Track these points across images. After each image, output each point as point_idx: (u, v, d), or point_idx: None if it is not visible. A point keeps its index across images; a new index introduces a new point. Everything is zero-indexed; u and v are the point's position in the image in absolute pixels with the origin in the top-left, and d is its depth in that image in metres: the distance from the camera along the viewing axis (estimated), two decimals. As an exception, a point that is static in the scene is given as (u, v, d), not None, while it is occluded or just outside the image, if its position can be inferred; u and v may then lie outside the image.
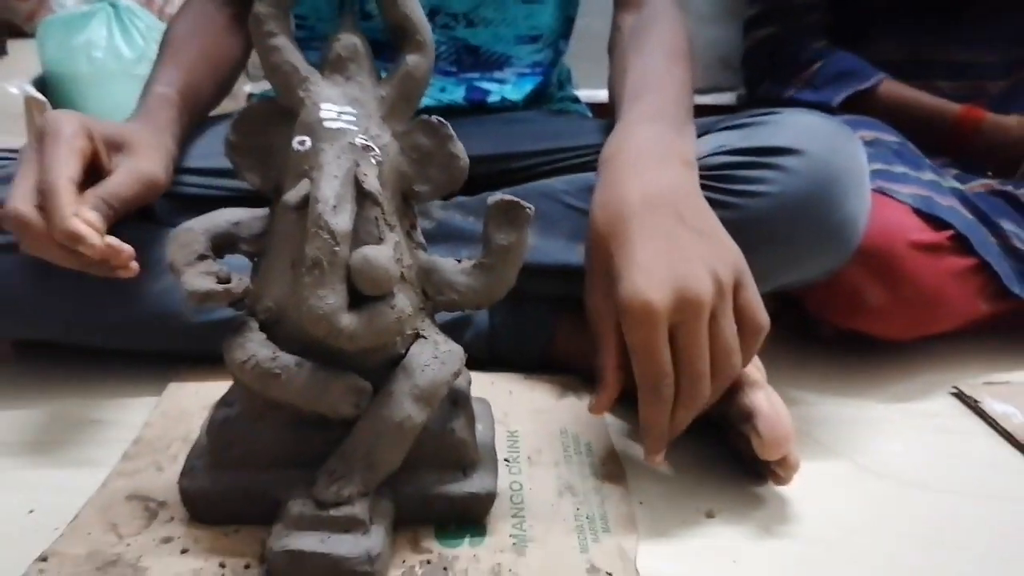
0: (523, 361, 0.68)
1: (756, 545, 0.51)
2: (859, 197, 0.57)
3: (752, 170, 0.57)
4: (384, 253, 0.43)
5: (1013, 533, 0.53)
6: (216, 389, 0.52)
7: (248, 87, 1.14)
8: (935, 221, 0.69)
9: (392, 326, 0.45)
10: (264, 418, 0.48)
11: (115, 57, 1.15)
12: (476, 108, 0.79)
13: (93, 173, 0.54)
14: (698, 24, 1.24)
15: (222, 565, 0.46)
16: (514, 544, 0.49)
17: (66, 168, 0.51)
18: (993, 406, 0.66)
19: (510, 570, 0.47)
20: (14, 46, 2.30)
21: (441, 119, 0.47)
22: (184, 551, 0.46)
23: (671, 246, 0.49)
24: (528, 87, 0.80)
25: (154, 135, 0.60)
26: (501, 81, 0.80)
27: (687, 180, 0.53)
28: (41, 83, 1.17)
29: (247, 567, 0.46)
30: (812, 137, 0.57)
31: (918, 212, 0.69)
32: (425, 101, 0.75)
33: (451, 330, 0.65)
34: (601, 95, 0.80)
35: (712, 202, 0.56)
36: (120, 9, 1.18)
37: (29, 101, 1.10)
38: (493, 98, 0.79)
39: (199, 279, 0.45)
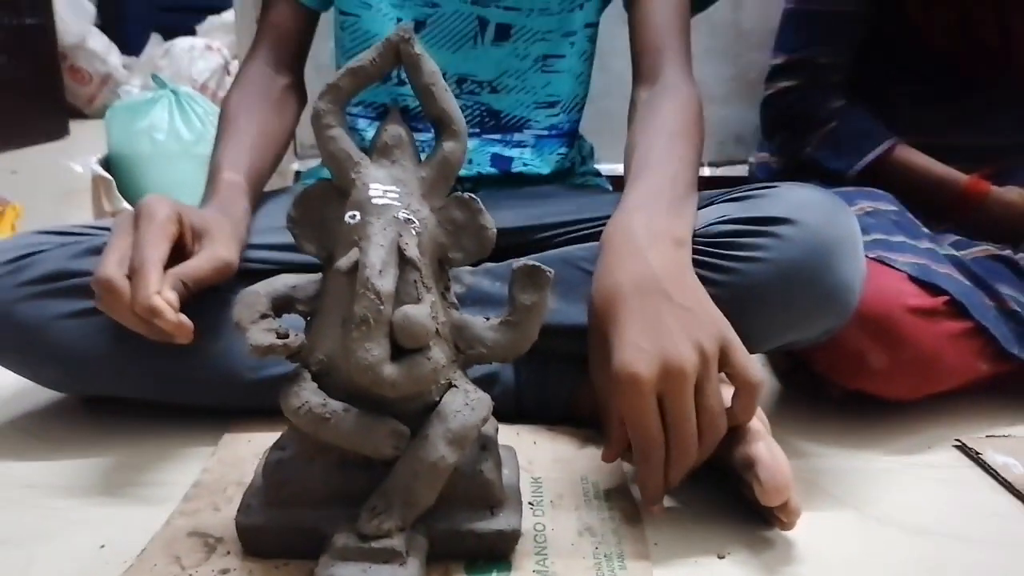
0: (547, 415, 0.73)
1: (764, 583, 0.55)
2: (853, 263, 0.63)
3: (751, 238, 0.62)
4: (422, 311, 0.50)
5: (1012, 574, 0.56)
6: (267, 439, 0.58)
7: (295, 165, 1.24)
8: (931, 287, 0.73)
9: (429, 375, 0.51)
10: (314, 460, 0.54)
11: (176, 139, 1.25)
12: (503, 177, 0.87)
13: (177, 252, 0.62)
14: (713, 104, 1.31)
15: (276, 593, 0.51)
16: (538, 579, 0.53)
17: (156, 250, 0.58)
18: (995, 458, 0.69)
19: (534, 601, 0.51)
20: (76, 127, 2.49)
21: (473, 196, 0.54)
22: (242, 581, 0.52)
23: (658, 323, 0.55)
24: (547, 152, 0.87)
25: (231, 225, 0.67)
26: (521, 144, 0.87)
27: (676, 260, 0.59)
28: (106, 162, 1.28)
29: (298, 594, 0.51)
30: (806, 208, 0.63)
31: (914, 279, 0.73)
32: None
33: (480, 386, 0.71)
34: (620, 169, 0.87)
35: (714, 267, 0.62)
36: (180, 95, 1.29)
37: (96, 179, 1.20)
38: (516, 166, 0.86)
39: (262, 335, 0.51)
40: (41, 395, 0.78)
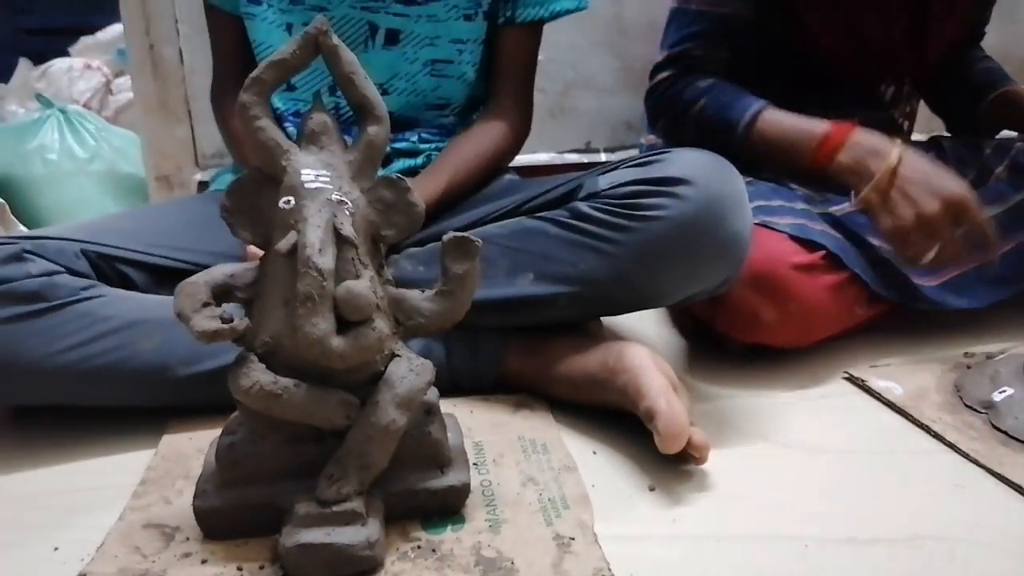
0: (480, 386, 0.77)
1: (691, 507, 0.61)
2: (742, 215, 0.70)
3: (652, 198, 0.69)
4: (363, 284, 0.53)
5: (897, 476, 0.65)
6: (208, 435, 0.60)
7: (198, 175, 1.23)
8: (809, 244, 0.81)
9: (375, 345, 0.54)
10: (265, 438, 0.56)
11: (69, 157, 1.22)
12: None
13: None
14: (603, 94, 1.39)
15: (239, 568, 0.53)
16: (490, 526, 0.57)
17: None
18: (877, 383, 0.78)
19: (489, 545, 0.55)
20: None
21: (400, 176, 0.58)
22: (204, 561, 0.53)
23: None
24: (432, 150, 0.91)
25: None
26: (411, 145, 0.90)
27: None
28: (-3, 187, 1.23)
29: (261, 567, 0.53)
30: (698, 168, 0.69)
31: (794, 238, 0.81)
32: None
33: (414, 364, 0.74)
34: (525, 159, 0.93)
35: (620, 227, 0.69)
36: (69, 114, 1.26)
37: (-12, 204, 1.16)
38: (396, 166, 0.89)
39: (207, 321, 0.53)
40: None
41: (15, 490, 0.65)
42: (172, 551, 0.54)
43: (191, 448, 0.68)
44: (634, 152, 1.36)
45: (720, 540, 0.57)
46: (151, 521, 0.58)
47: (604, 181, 0.73)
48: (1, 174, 1.24)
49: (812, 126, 0.86)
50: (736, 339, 0.85)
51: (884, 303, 0.86)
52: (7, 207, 1.15)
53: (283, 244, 0.53)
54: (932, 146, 1.10)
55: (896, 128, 1.09)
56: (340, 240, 0.54)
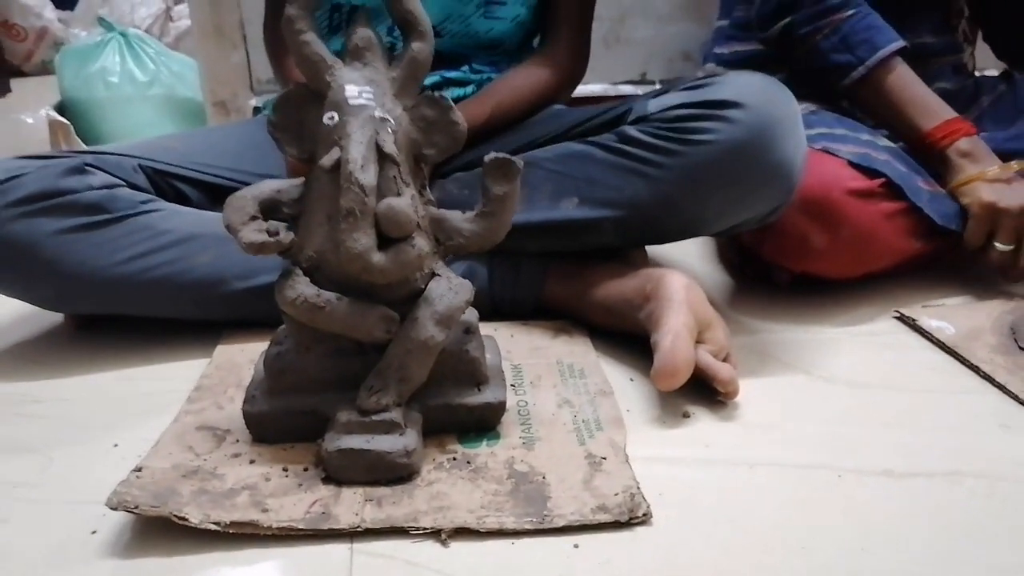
0: (520, 310, 0.78)
1: (726, 434, 0.61)
2: (794, 140, 0.68)
3: (700, 121, 0.67)
4: (404, 202, 0.53)
5: (941, 414, 0.63)
6: (259, 347, 0.62)
7: (253, 100, 1.25)
8: (869, 172, 0.79)
9: (414, 262, 0.55)
10: (310, 350, 0.58)
11: (130, 81, 1.25)
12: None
13: None
14: (661, 23, 1.35)
15: (285, 469, 0.55)
16: (524, 443, 0.58)
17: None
18: (929, 323, 0.76)
19: (522, 460, 0.56)
20: (16, 84, 2.42)
21: (442, 94, 0.57)
22: (252, 461, 0.56)
23: None
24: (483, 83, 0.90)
25: None
26: (462, 75, 0.89)
27: None
28: (61, 108, 1.27)
29: (306, 469, 0.55)
30: (750, 91, 0.67)
31: (854, 165, 0.79)
32: None
33: (457, 287, 0.75)
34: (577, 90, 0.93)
35: (667, 151, 0.67)
36: (130, 37, 1.28)
37: (54, 124, 1.20)
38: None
39: (254, 234, 0.55)
40: (34, 323, 0.80)
41: (80, 392, 0.68)
42: (223, 451, 0.57)
43: (243, 358, 0.71)
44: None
45: (753, 466, 0.57)
46: (204, 424, 0.61)
47: (653, 104, 0.71)
48: (67, 96, 1.27)
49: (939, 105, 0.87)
50: (784, 268, 0.84)
51: (944, 237, 0.83)
52: (71, 128, 1.19)
53: (327, 160, 0.54)
54: (1003, 79, 1.05)
55: (963, 64, 1.05)
56: (382, 157, 0.54)
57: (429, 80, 0.88)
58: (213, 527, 0.48)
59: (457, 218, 0.59)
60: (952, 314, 0.78)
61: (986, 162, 0.83)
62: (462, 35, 0.88)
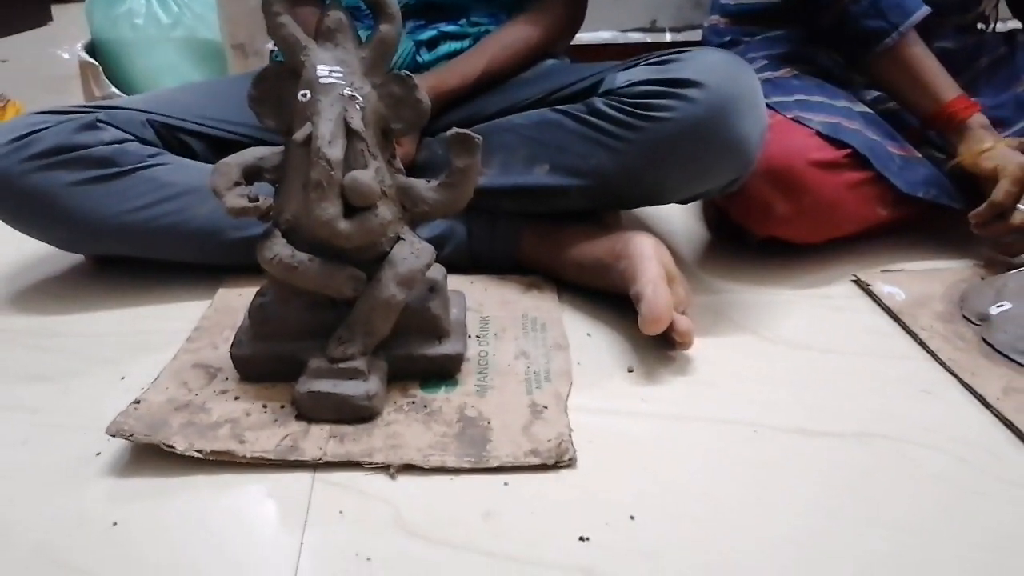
0: (497, 265, 0.84)
1: (664, 389, 0.67)
2: (751, 118, 0.71)
3: (662, 99, 0.71)
4: (368, 175, 0.59)
5: (870, 377, 0.68)
6: (255, 292, 0.69)
7: (269, 44, 1.29)
8: (837, 142, 0.82)
9: (377, 228, 0.61)
10: (289, 302, 0.65)
11: (154, 23, 1.30)
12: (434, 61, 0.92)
13: None
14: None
15: (264, 406, 0.63)
16: (477, 391, 0.65)
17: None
18: (882, 288, 0.80)
19: (472, 407, 0.63)
20: (58, 11, 2.49)
21: (408, 73, 0.62)
22: (236, 398, 0.64)
23: None
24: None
25: None
26: (459, 29, 0.92)
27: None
28: (91, 49, 1.33)
29: (282, 407, 0.63)
30: (711, 71, 0.70)
31: (822, 135, 0.82)
32: (400, 63, 0.90)
33: (437, 244, 0.82)
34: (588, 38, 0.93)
35: (629, 125, 0.72)
36: (155, -22, 1.33)
37: (84, 66, 1.26)
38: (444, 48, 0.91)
39: (236, 199, 0.61)
40: (57, 262, 0.89)
41: (95, 328, 0.77)
42: (213, 388, 0.65)
43: (240, 303, 0.78)
44: (699, 33, 1.33)
45: (681, 420, 0.63)
46: (200, 362, 0.69)
47: (621, 78, 0.75)
48: (96, 37, 1.33)
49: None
50: (753, 232, 0.88)
51: (912, 205, 0.86)
52: (101, 70, 1.25)
53: (299, 135, 0.60)
54: (1007, 40, 1.04)
55: (974, 22, 1.04)
56: (350, 133, 0.60)
57: (427, 35, 0.93)
58: (196, 454, 0.57)
59: (422, 187, 0.65)
60: (908, 280, 0.82)
61: (996, 136, 0.85)
62: None
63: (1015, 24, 1.14)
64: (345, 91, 0.60)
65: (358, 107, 0.60)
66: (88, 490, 0.55)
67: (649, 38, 1.37)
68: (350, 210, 0.60)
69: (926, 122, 0.88)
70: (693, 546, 0.51)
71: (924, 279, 0.83)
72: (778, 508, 0.54)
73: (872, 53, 0.87)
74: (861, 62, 0.89)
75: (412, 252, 0.63)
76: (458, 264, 0.83)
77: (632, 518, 0.53)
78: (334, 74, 0.60)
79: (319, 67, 0.60)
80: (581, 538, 0.51)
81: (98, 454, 0.58)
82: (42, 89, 1.39)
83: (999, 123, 0.91)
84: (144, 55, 1.29)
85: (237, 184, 0.62)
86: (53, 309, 0.80)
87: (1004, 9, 1.13)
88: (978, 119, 0.87)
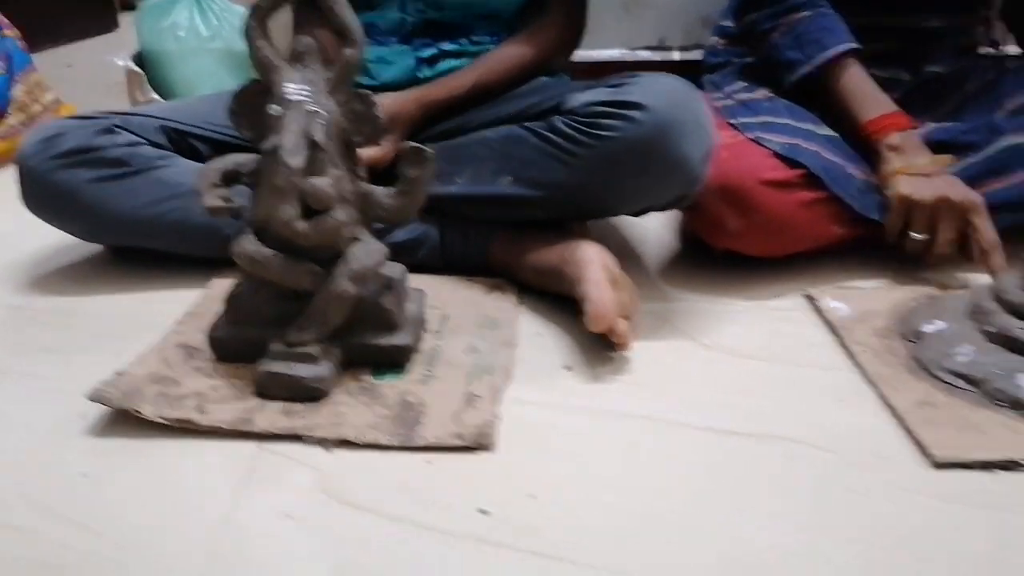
0: (467, 268, 0.90)
1: (596, 387, 0.73)
2: (694, 139, 0.76)
3: (610, 119, 0.77)
4: (325, 182, 0.67)
5: (791, 385, 0.73)
6: (240, 281, 0.77)
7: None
8: (792, 162, 0.86)
9: (333, 229, 0.68)
10: (259, 292, 0.73)
11: (195, 36, 1.42)
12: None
13: None
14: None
15: (231, 383, 0.71)
16: (422, 380, 0.72)
17: None
18: (828, 303, 0.84)
19: (414, 393, 0.70)
20: (125, 19, 2.66)
21: (368, 92, 0.70)
22: (208, 375, 0.72)
23: None
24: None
25: None
26: (459, 47, 1.00)
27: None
28: (139, 58, 1.46)
29: (246, 385, 0.71)
30: (655, 95, 0.76)
31: (779, 155, 0.86)
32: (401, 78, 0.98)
33: (413, 246, 0.90)
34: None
35: (579, 142, 0.78)
36: (201, -4, 1.44)
37: (130, 74, 1.39)
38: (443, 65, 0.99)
39: (213, 199, 0.70)
40: (78, 251, 0.99)
41: (106, 309, 0.87)
42: (189, 365, 0.74)
43: (231, 293, 0.87)
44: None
45: (605, 415, 0.69)
46: (184, 343, 0.78)
47: (579, 99, 0.81)
48: (144, 47, 1.46)
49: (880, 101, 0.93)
50: (710, 244, 0.92)
51: (873, 225, 0.89)
52: (145, 78, 1.37)
53: (267, 145, 0.68)
54: (995, 66, 1.06)
55: (972, 46, 1.07)
56: (313, 145, 0.67)
57: (428, 52, 1.00)
58: (160, 420, 0.65)
59: (380, 194, 0.72)
60: (857, 297, 0.85)
61: (915, 156, 0.88)
62: (462, 6, 0.99)
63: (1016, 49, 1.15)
64: (310, 107, 0.68)
65: (321, 122, 0.68)
66: (68, 445, 0.64)
67: (657, 57, 1.41)
68: (311, 212, 0.68)
69: (858, 144, 0.93)
70: (584, 525, 0.56)
71: (873, 296, 0.86)
72: (682, 502, 0.59)
73: (789, 81, 0.94)
74: (785, 88, 0.95)
75: (366, 251, 0.71)
76: (431, 265, 0.90)
77: (534, 497, 0.59)
78: (302, 92, 0.68)
79: (288, 86, 0.68)
80: (481, 511, 0.58)
81: (83, 416, 0.67)
82: (99, 93, 1.52)
83: (968, 147, 0.94)
84: (185, 64, 1.41)
85: (216, 186, 0.71)
86: (70, 292, 0.91)
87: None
88: (891, 141, 0.89)
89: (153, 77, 1.42)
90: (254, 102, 0.71)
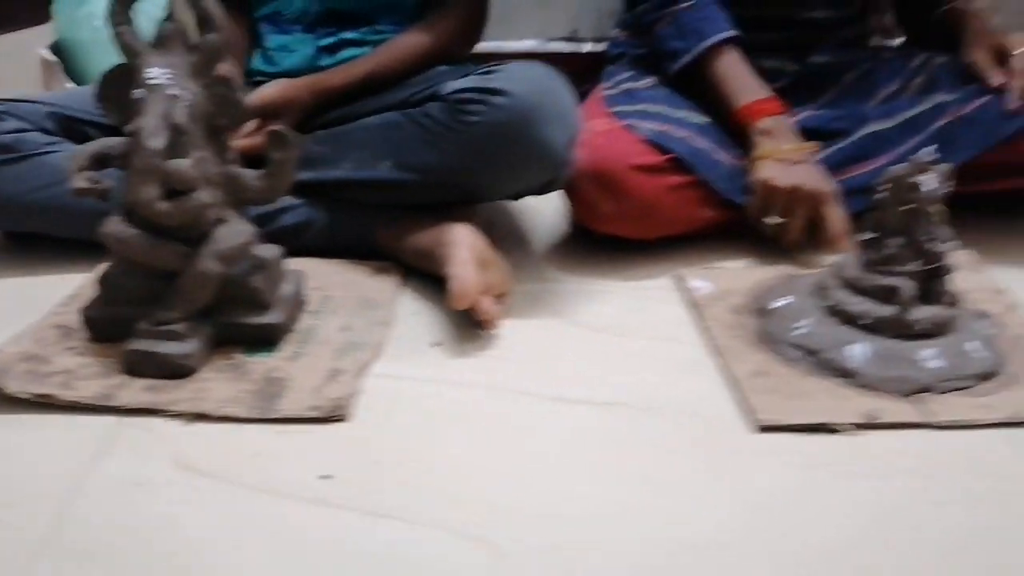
0: (354, 251, 0.93)
1: (462, 362, 0.76)
2: (556, 126, 0.79)
3: (475, 104, 0.80)
4: (185, 163, 0.69)
5: (645, 357, 0.76)
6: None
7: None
8: (662, 148, 0.90)
9: (194, 210, 0.71)
10: (130, 272, 0.75)
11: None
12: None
13: None
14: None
15: (101, 362, 0.73)
16: (292, 357, 0.75)
17: None
18: (694, 282, 0.88)
19: (281, 369, 0.73)
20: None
21: (231, 76, 0.72)
22: (80, 354, 0.74)
23: None
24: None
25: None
26: (361, 36, 1.02)
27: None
28: (56, 48, 1.45)
29: (115, 363, 0.73)
30: (517, 82, 0.79)
31: (649, 142, 0.90)
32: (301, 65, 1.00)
33: (301, 229, 0.92)
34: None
35: (448, 125, 0.81)
36: (114, -16, 1.44)
37: (45, 63, 1.38)
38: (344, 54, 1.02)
39: (80, 181, 0.71)
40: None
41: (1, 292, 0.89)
42: (63, 344, 0.75)
43: (118, 276, 0.89)
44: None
45: (461, 386, 0.72)
46: (61, 323, 0.79)
47: (451, 86, 0.84)
48: (61, 36, 1.46)
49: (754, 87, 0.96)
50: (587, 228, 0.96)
51: (738, 207, 0.94)
52: (60, 67, 1.37)
53: (130, 128, 0.70)
54: (872, 55, 1.11)
55: (860, 36, 1.11)
56: (174, 127, 0.69)
57: (328, 41, 1.02)
58: (25, 396, 0.67)
59: (249, 176, 0.74)
60: (723, 276, 0.89)
61: (783, 141, 0.92)
62: None
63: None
64: (172, 91, 0.70)
65: (183, 105, 0.70)
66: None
67: (569, 48, 1.45)
68: (175, 194, 0.70)
69: (733, 130, 0.96)
70: (421, 485, 0.59)
71: (738, 276, 0.90)
72: (513, 460, 0.62)
73: (673, 70, 0.97)
74: (667, 76, 0.98)
75: (232, 232, 0.73)
76: (320, 248, 0.92)
77: (378, 463, 0.62)
78: (164, 76, 0.70)
79: (150, 70, 0.70)
80: (322, 476, 0.60)
81: (-48, 393, 0.69)
82: (26, 85, 1.51)
83: (837, 134, 0.98)
84: (101, 54, 1.40)
85: (84, 169, 0.72)
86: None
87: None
88: (761, 125, 0.93)
89: (70, 67, 1.42)
90: (120, 86, 0.72)
